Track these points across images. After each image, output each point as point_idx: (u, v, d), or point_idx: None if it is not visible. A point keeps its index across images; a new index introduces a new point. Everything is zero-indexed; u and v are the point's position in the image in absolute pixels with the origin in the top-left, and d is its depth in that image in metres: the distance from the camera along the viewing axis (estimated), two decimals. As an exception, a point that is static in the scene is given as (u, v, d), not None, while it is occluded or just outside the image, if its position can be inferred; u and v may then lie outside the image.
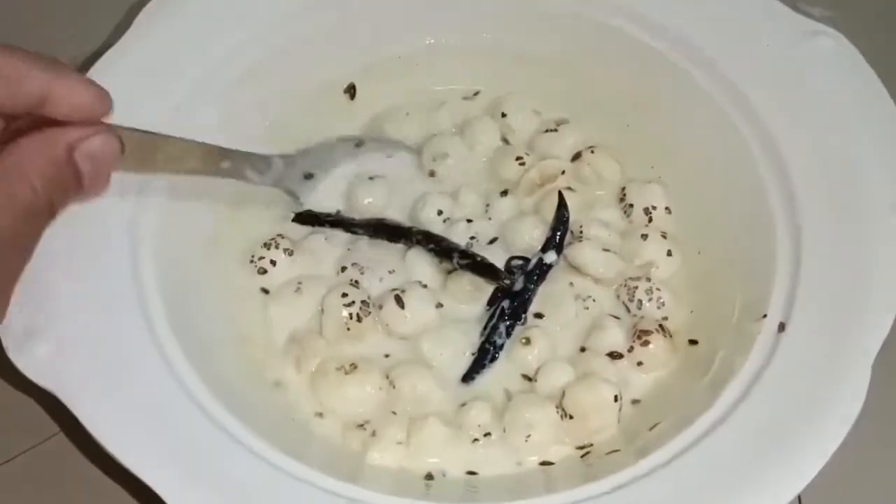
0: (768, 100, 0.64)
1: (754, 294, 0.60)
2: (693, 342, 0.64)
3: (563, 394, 0.61)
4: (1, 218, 0.44)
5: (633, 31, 0.68)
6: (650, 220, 0.69)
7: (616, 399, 0.60)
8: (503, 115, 0.73)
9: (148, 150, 0.53)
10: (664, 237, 0.67)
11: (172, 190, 0.61)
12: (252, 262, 0.66)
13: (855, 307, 0.56)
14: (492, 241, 0.68)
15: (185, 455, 0.52)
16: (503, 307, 0.65)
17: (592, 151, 0.71)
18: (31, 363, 0.53)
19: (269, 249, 0.66)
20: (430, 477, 0.60)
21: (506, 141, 0.73)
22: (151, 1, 0.66)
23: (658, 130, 0.70)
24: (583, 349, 0.64)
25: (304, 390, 0.63)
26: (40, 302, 0.55)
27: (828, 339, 0.56)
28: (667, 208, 0.69)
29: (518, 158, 0.71)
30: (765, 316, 0.58)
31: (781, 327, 0.57)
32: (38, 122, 0.46)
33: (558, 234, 0.67)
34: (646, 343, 0.63)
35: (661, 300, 0.65)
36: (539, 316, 0.66)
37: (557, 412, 0.61)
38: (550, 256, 0.67)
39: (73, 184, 0.47)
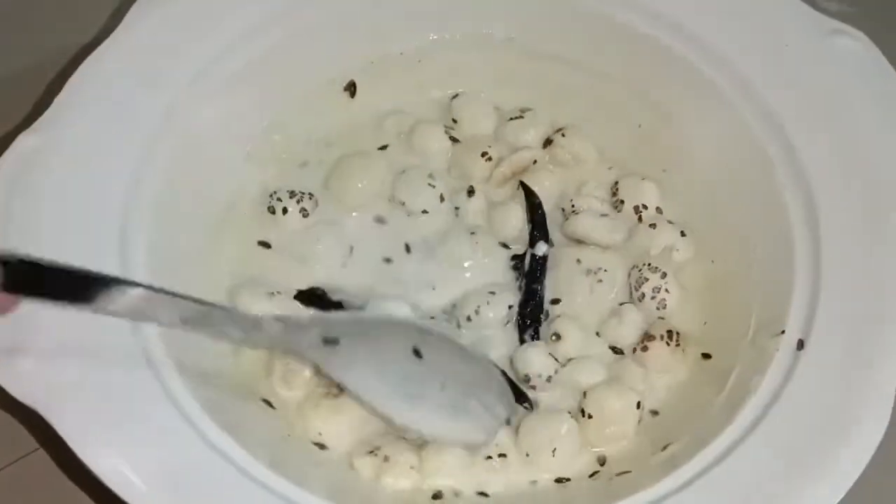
0: (787, 102, 0.62)
1: (771, 308, 0.58)
2: (706, 356, 0.61)
3: (585, 394, 0.59)
4: None
5: (647, 29, 0.65)
6: (639, 219, 0.66)
7: (639, 406, 0.59)
8: (454, 120, 0.71)
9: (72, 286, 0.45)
10: (670, 222, 0.65)
11: (164, 202, 0.59)
12: (270, 197, 0.65)
13: (878, 324, 0.54)
14: None
15: (176, 477, 0.50)
16: (519, 320, 0.63)
17: (563, 134, 0.68)
18: (14, 379, 0.51)
19: (291, 198, 0.65)
20: (438, 496, 0.57)
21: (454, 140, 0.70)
22: (144, -6, 0.63)
23: (671, 132, 0.67)
24: (597, 334, 0.63)
25: (296, 416, 0.60)
26: (24, 316, 0.52)
27: (849, 359, 0.53)
28: (658, 208, 0.66)
29: (483, 154, 0.68)
30: (783, 332, 0.55)
31: (800, 344, 0.54)
32: None
33: (538, 222, 0.65)
34: (645, 348, 0.61)
35: (664, 301, 0.62)
36: (556, 301, 0.64)
37: (571, 416, 0.59)
38: (541, 248, 0.65)
39: None
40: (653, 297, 0.62)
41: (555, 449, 0.58)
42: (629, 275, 0.64)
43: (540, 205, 0.66)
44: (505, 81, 0.71)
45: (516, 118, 0.70)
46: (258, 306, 0.60)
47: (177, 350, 0.54)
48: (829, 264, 0.56)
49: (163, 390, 0.52)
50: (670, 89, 0.66)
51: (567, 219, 0.66)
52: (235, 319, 0.52)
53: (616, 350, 0.62)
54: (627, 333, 0.62)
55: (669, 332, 0.61)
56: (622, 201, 0.67)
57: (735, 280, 0.62)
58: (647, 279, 0.63)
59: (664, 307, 0.63)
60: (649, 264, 0.63)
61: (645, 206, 0.66)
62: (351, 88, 0.69)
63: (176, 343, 0.54)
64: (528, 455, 0.58)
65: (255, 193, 0.66)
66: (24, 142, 0.57)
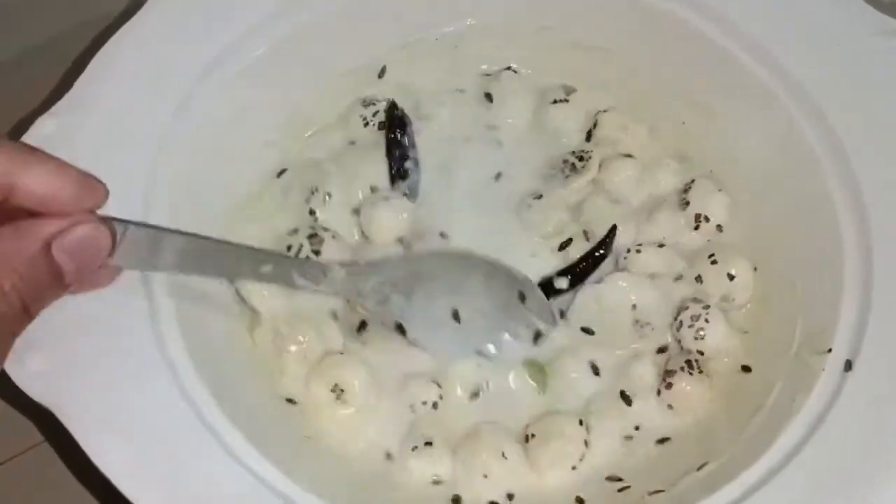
0: (840, 105, 0.59)
1: (818, 323, 0.55)
2: (746, 369, 0.59)
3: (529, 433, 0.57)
4: None
5: (697, 24, 0.62)
6: (696, 227, 0.63)
7: (581, 458, 0.56)
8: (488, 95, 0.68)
9: (157, 247, 0.47)
10: (715, 262, 0.61)
11: (181, 192, 0.57)
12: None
13: (934, 347, 0.51)
14: None
15: (190, 484, 0.48)
16: None
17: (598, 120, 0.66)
18: (27, 376, 0.49)
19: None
20: (457, 500, 0.56)
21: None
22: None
23: (717, 131, 0.64)
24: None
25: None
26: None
27: (900, 383, 0.51)
28: (718, 226, 0.63)
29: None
30: (829, 350, 0.53)
31: (848, 365, 0.52)
32: (15, 212, 0.42)
33: (584, 264, 0.62)
34: (669, 385, 0.58)
35: (702, 332, 0.59)
36: (588, 332, 0.60)
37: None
38: (561, 282, 0.62)
39: (51, 282, 0.42)
40: (690, 326, 0.59)
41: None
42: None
43: (604, 257, 0.62)
44: (545, 71, 0.68)
45: (560, 101, 0.67)
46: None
47: (195, 351, 0.52)
48: (880, 278, 0.54)
49: (180, 393, 0.50)
50: (716, 87, 0.63)
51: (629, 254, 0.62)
52: (304, 269, 0.56)
53: (625, 397, 0.58)
54: (639, 374, 0.59)
55: (689, 361, 0.58)
56: (688, 202, 0.63)
57: (780, 289, 0.60)
58: (686, 307, 0.60)
59: (703, 336, 0.59)
60: (696, 298, 0.60)
61: (707, 219, 0.63)
62: (381, 73, 0.66)
63: (194, 343, 0.52)
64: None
65: (275, 182, 0.64)
66: (41, 126, 0.55)
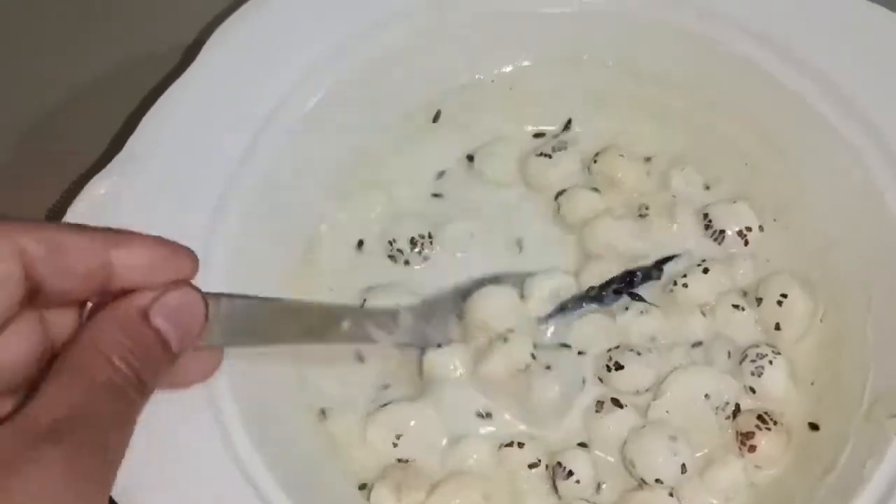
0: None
1: (890, 379, 0.53)
2: (814, 427, 0.56)
3: None
4: (84, 403, 0.39)
5: (764, 60, 0.59)
6: (746, 242, 0.62)
7: None
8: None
9: (247, 317, 0.48)
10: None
11: (238, 251, 0.56)
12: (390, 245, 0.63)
13: None
14: None
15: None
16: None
17: (595, 160, 0.65)
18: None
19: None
20: None
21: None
22: (229, 18, 0.60)
23: (783, 172, 0.62)
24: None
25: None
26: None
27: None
28: (760, 227, 0.62)
29: None
30: (902, 411, 0.51)
31: (922, 430, 0.50)
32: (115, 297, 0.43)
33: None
34: (752, 448, 0.56)
35: (761, 368, 0.57)
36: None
37: None
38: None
39: (158, 350, 0.42)
40: (752, 361, 0.58)
41: None
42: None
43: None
44: (602, 112, 0.66)
45: (544, 155, 0.65)
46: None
47: (251, 413, 0.51)
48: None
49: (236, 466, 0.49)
50: (785, 125, 0.60)
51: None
52: (377, 320, 0.55)
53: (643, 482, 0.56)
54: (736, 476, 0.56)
55: (760, 416, 0.56)
56: (722, 231, 0.62)
57: (848, 338, 0.57)
58: (757, 345, 0.58)
59: (761, 373, 0.57)
60: (768, 342, 0.59)
61: (749, 229, 0.62)
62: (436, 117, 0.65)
63: (252, 409, 0.52)
64: None
65: (336, 234, 0.64)
66: (94, 188, 0.54)
